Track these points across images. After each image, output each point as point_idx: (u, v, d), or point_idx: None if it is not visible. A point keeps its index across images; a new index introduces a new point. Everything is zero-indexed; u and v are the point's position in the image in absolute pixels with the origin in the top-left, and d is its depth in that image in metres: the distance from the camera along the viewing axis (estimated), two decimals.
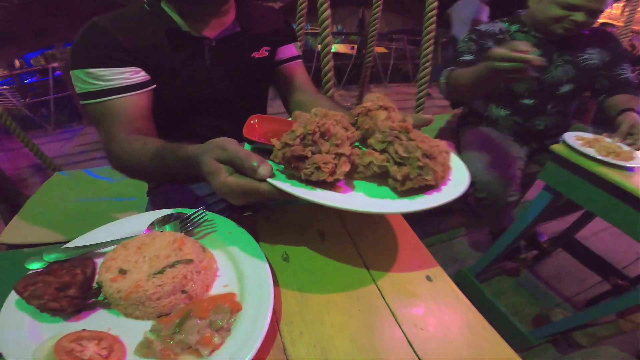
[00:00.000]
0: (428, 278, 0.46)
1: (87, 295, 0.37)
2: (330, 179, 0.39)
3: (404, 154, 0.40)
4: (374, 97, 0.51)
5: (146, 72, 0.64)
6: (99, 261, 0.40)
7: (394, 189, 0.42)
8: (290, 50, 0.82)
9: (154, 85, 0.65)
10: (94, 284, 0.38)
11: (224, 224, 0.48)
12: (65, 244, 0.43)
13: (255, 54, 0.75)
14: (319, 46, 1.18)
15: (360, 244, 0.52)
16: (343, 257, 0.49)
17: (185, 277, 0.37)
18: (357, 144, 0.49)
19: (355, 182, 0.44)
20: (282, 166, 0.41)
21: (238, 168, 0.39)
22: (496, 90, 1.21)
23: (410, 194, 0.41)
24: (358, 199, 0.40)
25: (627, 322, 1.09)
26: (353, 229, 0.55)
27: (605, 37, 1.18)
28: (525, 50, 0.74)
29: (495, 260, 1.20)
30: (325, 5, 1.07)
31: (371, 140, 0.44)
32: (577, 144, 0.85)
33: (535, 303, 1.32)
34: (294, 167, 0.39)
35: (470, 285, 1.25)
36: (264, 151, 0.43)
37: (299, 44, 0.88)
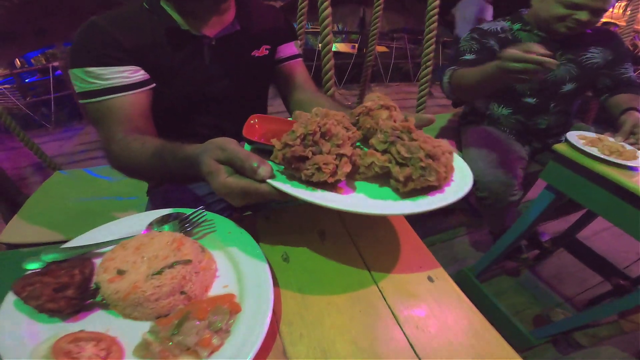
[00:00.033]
0: (429, 279, 0.46)
1: (85, 296, 0.36)
2: (331, 180, 0.38)
3: (406, 155, 0.40)
4: (375, 97, 0.51)
5: (145, 71, 0.63)
6: (97, 261, 0.40)
7: (396, 190, 0.41)
8: (291, 48, 0.82)
9: (153, 84, 0.65)
10: (92, 285, 0.37)
11: (223, 224, 0.48)
12: (64, 244, 0.43)
13: (256, 53, 0.75)
14: (320, 45, 1.17)
15: (361, 244, 0.52)
16: (344, 257, 0.49)
17: (184, 277, 0.36)
18: (358, 144, 0.49)
19: (357, 183, 0.43)
20: (283, 167, 0.41)
21: (238, 169, 0.39)
22: (500, 89, 1.20)
23: (413, 195, 0.41)
24: (360, 200, 0.40)
25: (628, 323, 1.08)
26: (354, 229, 0.54)
27: (608, 36, 1.17)
28: (538, 52, 0.74)
29: (497, 260, 1.20)
30: (326, 4, 1.06)
31: (373, 141, 0.44)
32: (580, 143, 0.85)
33: (536, 303, 1.32)
34: (294, 168, 0.39)
35: (471, 285, 1.25)
36: (264, 151, 0.43)
37: (299, 42, 0.88)
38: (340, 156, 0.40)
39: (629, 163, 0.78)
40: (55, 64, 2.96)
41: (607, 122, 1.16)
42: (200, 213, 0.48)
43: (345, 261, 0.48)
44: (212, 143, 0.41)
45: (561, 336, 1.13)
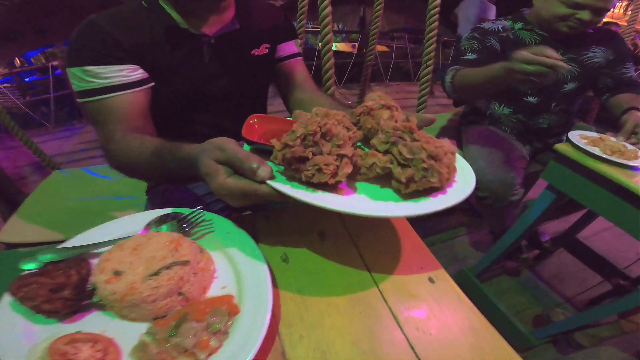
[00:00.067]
0: (430, 280, 0.46)
1: (82, 297, 0.36)
2: (332, 181, 0.38)
3: (408, 155, 0.39)
4: (376, 96, 0.50)
5: (144, 70, 0.63)
6: (94, 262, 0.39)
7: (398, 191, 0.41)
8: (291, 47, 0.81)
9: (152, 83, 0.64)
10: (89, 286, 0.37)
11: (222, 224, 0.48)
12: (62, 243, 0.43)
13: (255, 52, 0.74)
14: (320, 44, 1.17)
15: (361, 244, 0.51)
16: (344, 258, 0.49)
17: (181, 278, 0.36)
18: (359, 144, 0.48)
19: (358, 184, 0.43)
20: (283, 167, 0.40)
21: (237, 169, 0.38)
22: (504, 89, 1.21)
23: (415, 196, 0.40)
24: (361, 202, 0.39)
25: (628, 323, 1.08)
26: (354, 230, 0.54)
27: (609, 35, 1.17)
28: (550, 56, 0.75)
29: (497, 260, 1.20)
30: (326, 3, 1.06)
31: (374, 141, 0.43)
32: (582, 143, 0.85)
33: (536, 303, 1.32)
34: (294, 169, 0.38)
35: (471, 285, 1.25)
36: (264, 152, 0.42)
37: (299, 41, 0.87)
38: (341, 157, 0.39)
39: (631, 163, 0.78)
40: (55, 63, 2.95)
41: (608, 122, 1.16)
42: (199, 213, 0.48)
43: (345, 262, 0.48)
44: (211, 143, 0.40)
45: (561, 336, 1.12)
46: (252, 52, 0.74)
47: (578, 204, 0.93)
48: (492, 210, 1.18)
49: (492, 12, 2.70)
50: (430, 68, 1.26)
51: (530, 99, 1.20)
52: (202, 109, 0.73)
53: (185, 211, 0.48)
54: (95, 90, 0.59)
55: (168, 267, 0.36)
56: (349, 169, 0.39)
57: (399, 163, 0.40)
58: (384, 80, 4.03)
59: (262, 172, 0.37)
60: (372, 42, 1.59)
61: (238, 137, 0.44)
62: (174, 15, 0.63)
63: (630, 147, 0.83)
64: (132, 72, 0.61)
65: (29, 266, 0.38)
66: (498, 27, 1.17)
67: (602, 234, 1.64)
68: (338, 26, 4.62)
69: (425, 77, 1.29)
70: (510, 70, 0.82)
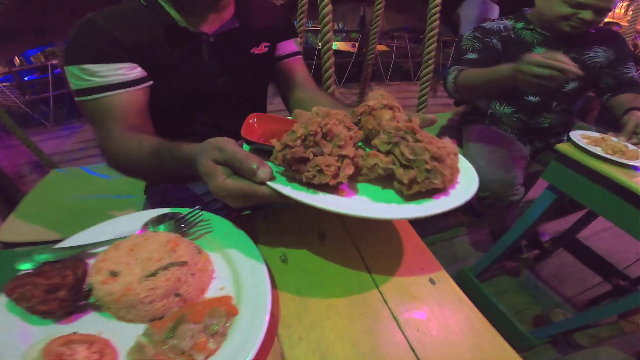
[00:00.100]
0: (431, 281, 0.45)
1: (78, 298, 0.35)
2: (333, 182, 0.37)
3: (410, 156, 0.38)
4: (378, 95, 0.49)
5: (143, 69, 0.62)
6: (91, 262, 0.39)
7: (400, 193, 0.40)
8: (290, 46, 0.81)
9: (151, 82, 0.64)
10: (86, 286, 0.36)
11: (220, 224, 0.47)
12: (59, 243, 0.42)
13: (255, 50, 0.74)
14: (320, 43, 1.16)
15: (361, 245, 0.51)
16: (344, 259, 0.48)
17: (179, 279, 0.35)
18: (360, 143, 0.48)
19: (359, 185, 0.42)
20: (282, 168, 0.40)
21: (236, 170, 0.38)
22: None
23: (417, 197, 0.39)
24: (363, 204, 0.39)
25: (628, 323, 1.08)
26: (354, 230, 0.53)
27: (611, 35, 1.16)
28: (562, 61, 0.76)
29: (497, 260, 1.19)
30: (326, 2, 1.05)
31: (376, 141, 0.42)
32: (584, 143, 0.85)
33: (536, 303, 1.32)
34: (295, 170, 0.38)
35: (471, 285, 1.25)
36: (264, 152, 0.41)
37: (299, 40, 0.87)
38: (342, 157, 0.38)
39: (632, 163, 0.77)
40: (55, 62, 2.95)
41: (608, 123, 1.15)
42: (197, 213, 0.47)
43: (345, 263, 0.47)
44: (210, 143, 0.40)
45: (561, 336, 1.12)
46: (251, 51, 0.74)
47: (578, 204, 0.93)
48: (493, 210, 1.18)
49: (494, 12, 2.69)
50: (431, 67, 1.26)
51: (532, 98, 1.19)
52: (201, 108, 0.72)
53: (184, 211, 0.47)
54: (93, 89, 0.58)
55: (165, 268, 0.35)
56: (350, 170, 0.38)
57: (401, 164, 0.39)
58: (384, 79, 4.03)
59: (262, 173, 0.37)
60: (372, 42, 1.59)
61: (237, 137, 0.43)
62: (173, 13, 0.63)
63: (631, 147, 0.83)
64: (130, 71, 0.60)
65: (25, 266, 0.38)
66: (499, 27, 1.16)
67: (602, 234, 1.64)
68: (338, 25, 4.61)
69: (426, 77, 1.28)
70: (519, 72, 0.82)
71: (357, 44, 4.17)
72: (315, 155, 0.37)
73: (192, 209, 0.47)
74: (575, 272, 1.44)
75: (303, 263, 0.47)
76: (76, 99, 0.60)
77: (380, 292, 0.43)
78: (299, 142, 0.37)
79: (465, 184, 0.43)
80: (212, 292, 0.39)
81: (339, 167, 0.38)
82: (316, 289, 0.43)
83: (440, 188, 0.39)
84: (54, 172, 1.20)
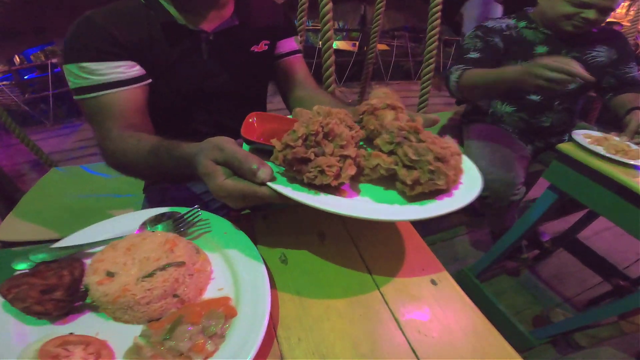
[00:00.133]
0: (432, 282, 0.45)
1: (75, 298, 0.35)
2: (334, 183, 0.37)
3: (414, 157, 0.38)
4: (381, 94, 0.49)
5: (142, 67, 0.62)
6: (88, 262, 0.38)
7: (402, 193, 0.39)
8: (291, 44, 0.80)
9: (149, 80, 0.63)
10: (82, 286, 0.36)
11: (219, 224, 0.47)
12: (56, 243, 0.42)
13: (255, 48, 0.73)
14: (320, 42, 1.15)
15: (362, 245, 0.50)
16: (344, 259, 0.48)
17: (176, 280, 0.35)
18: (361, 143, 0.47)
19: (361, 186, 0.41)
20: (283, 168, 0.39)
21: (236, 170, 0.37)
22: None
23: (420, 198, 0.39)
24: (365, 205, 0.38)
25: (628, 324, 1.08)
26: (354, 231, 0.53)
27: (613, 35, 1.16)
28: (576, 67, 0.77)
29: (497, 260, 1.19)
30: (326, 0, 1.04)
31: (378, 141, 0.41)
32: (586, 142, 0.85)
33: (536, 303, 1.31)
34: (296, 170, 0.37)
35: (471, 284, 1.24)
36: (264, 152, 0.41)
37: (299, 38, 0.86)
38: (344, 158, 0.38)
39: (634, 162, 0.77)
40: (54, 60, 2.94)
41: (610, 122, 1.15)
42: (196, 212, 0.47)
43: (345, 263, 0.47)
44: (210, 142, 0.39)
45: (561, 337, 1.12)
46: (251, 49, 0.73)
47: (578, 204, 0.92)
48: (493, 210, 1.17)
49: (497, 11, 2.68)
50: (432, 66, 1.25)
51: (533, 97, 1.19)
52: (200, 106, 0.72)
53: (182, 210, 0.47)
54: (92, 87, 0.58)
55: (163, 269, 0.35)
56: (352, 171, 0.38)
57: (404, 164, 0.39)
58: (384, 78, 4.02)
59: (262, 173, 0.36)
60: (373, 41, 1.58)
61: (237, 136, 0.43)
62: (172, 11, 0.62)
63: (634, 146, 0.83)
64: (129, 69, 0.60)
65: (21, 266, 0.38)
66: (502, 25, 1.15)
67: (602, 234, 1.64)
68: (339, 24, 4.60)
69: (427, 76, 1.27)
70: (530, 75, 0.81)
71: (357, 43, 4.17)
72: (316, 155, 0.37)
73: (190, 209, 0.47)
74: (575, 272, 1.44)
75: (303, 263, 0.47)
76: (75, 97, 0.59)
77: (380, 292, 0.43)
78: (300, 142, 0.36)
79: (469, 184, 0.42)
80: (210, 293, 0.38)
81: (340, 168, 0.37)
82: (316, 289, 0.43)
83: (444, 189, 0.39)
84: (53, 171, 1.19)
